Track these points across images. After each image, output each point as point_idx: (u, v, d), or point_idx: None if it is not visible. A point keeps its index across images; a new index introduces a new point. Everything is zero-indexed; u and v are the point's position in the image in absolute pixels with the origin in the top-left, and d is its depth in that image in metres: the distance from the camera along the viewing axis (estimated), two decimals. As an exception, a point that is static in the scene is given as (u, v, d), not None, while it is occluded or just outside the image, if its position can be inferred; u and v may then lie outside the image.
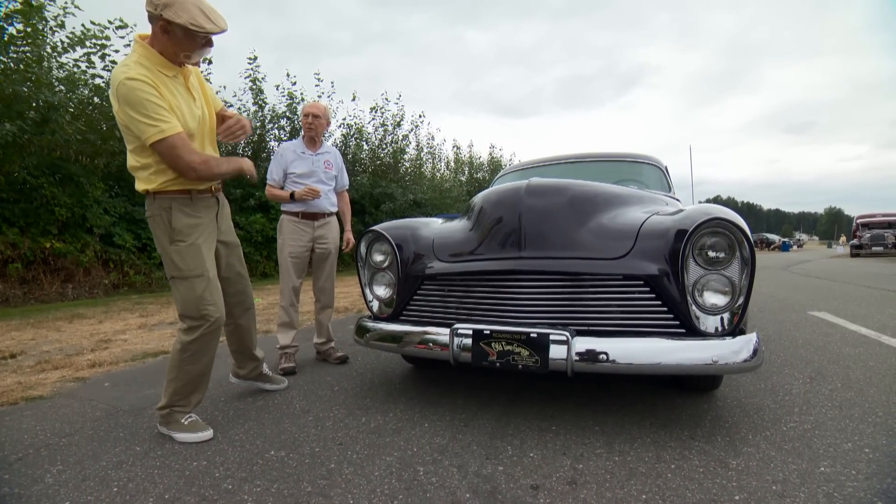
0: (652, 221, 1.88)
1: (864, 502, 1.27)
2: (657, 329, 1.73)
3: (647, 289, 1.75)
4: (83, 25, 7.61)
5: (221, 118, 2.07)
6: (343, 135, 13.78)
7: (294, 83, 12.22)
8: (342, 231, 3.18)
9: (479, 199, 2.26)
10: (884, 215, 17.62)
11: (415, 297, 2.22)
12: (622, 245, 1.82)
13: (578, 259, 1.83)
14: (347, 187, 3.21)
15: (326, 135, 12.21)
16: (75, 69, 7.80)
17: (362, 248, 2.40)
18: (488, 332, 1.79)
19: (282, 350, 2.87)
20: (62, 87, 7.54)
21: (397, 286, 2.24)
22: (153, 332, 4.26)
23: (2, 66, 6.67)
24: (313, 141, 2.97)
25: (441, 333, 1.93)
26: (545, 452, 1.62)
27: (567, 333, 1.67)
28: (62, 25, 7.44)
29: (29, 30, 6.98)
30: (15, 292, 6.71)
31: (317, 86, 12.68)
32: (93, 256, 7.66)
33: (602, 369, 1.64)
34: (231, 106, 11.29)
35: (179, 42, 1.74)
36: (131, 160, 1.83)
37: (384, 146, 14.77)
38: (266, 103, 11.83)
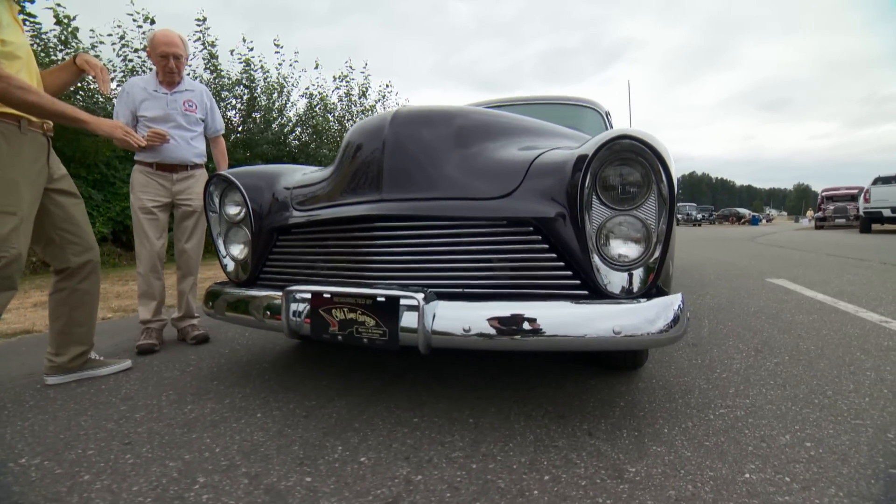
0: (551, 153, 1.43)
1: (797, 526, 0.89)
2: (549, 291, 1.30)
3: (538, 236, 1.31)
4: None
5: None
6: (308, 104, 12.89)
7: (251, 49, 11.22)
8: None
9: (347, 134, 1.78)
10: (847, 188, 17.70)
11: (271, 257, 1.76)
12: (508, 182, 1.37)
13: (450, 200, 1.38)
14: (222, 132, 2.66)
15: (288, 104, 10.93)
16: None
17: (215, 198, 1.91)
18: (329, 295, 1.34)
19: (143, 325, 2.38)
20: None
21: (252, 243, 1.77)
22: (46, 310, 3.69)
23: None
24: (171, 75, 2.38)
25: (278, 298, 1.48)
26: (383, 455, 1.19)
27: (420, 296, 1.22)
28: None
29: None
30: None
31: (276, 52, 11.68)
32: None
33: (462, 344, 1.20)
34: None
35: None
36: None
37: (350, 116, 13.93)
38: (221, 70, 10.81)
